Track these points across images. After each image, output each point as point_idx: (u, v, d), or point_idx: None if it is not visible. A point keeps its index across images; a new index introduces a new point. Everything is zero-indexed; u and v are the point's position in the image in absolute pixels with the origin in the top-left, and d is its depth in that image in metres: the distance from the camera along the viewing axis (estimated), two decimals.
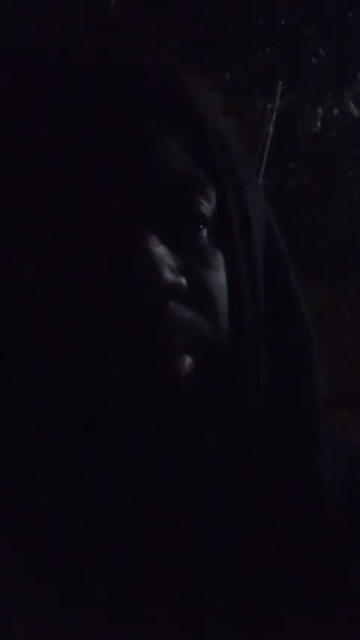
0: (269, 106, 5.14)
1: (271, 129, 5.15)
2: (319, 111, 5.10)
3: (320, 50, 4.74)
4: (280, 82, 4.95)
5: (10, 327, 0.49)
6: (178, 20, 4.32)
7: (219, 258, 0.53)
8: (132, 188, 0.49)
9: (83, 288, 0.48)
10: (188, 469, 0.50)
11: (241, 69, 4.71)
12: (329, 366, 0.57)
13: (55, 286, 0.48)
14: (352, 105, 5.13)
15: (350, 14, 4.73)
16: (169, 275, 0.48)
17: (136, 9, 4.14)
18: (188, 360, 0.49)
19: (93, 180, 0.49)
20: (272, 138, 5.15)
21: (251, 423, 0.52)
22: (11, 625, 0.48)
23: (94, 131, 0.50)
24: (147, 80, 0.54)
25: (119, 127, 0.51)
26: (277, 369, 0.54)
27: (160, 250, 0.48)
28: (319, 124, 5.14)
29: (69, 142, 0.49)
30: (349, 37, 4.73)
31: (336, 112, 5.15)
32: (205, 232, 0.52)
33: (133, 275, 0.47)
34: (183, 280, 0.49)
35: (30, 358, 0.49)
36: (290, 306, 0.56)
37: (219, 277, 0.52)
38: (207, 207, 0.52)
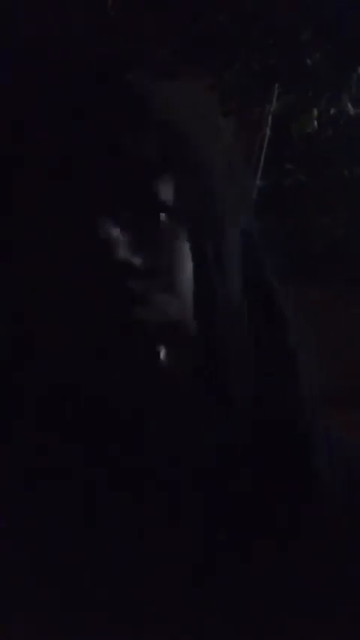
0: (267, 107, 5.13)
1: (268, 130, 5.15)
2: (315, 111, 5.10)
3: (317, 54, 4.74)
4: (277, 84, 4.95)
5: (10, 328, 0.49)
6: (178, 20, 4.32)
7: (183, 244, 0.53)
8: (95, 176, 0.50)
9: (82, 287, 0.48)
10: (187, 469, 0.50)
11: (241, 69, 4.71)
12: (325, 367, 0.57)
13: (54, 286, 0.48)
14: (349, 104, 5.13)
15: (348, 15, 4.73)
16: (123, 254, 0.49)
17: (136, 9, 4.13)
18: (162, 349, 0.49)
19: (94, 179, 0.49)
20: (269, 138, 5.15)
21: (239, 422, 0.52)
22: (11, 625, 0.48)
23: (94, 131, 0.50)
24: (121, 77, 0.54)
25: (114, 127, 0.51)
26: (261, 369, 0.54)
27: (116, 233, 0.49)
28: (315, 123, 5.14)
29: (69, 142, 0.50)
30: (347, 37, 4.74)
31: (332, 111, 5.16)
32: (167, 217, 0.52)
33: (95, 257, 0.48)
34: (138, 260, 0.50)
35: (30, 358, 0.49)
36: (268, 305, 0.56)
37: (183, 263, 0.53)
38: (168, 193, 0.52)
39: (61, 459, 0.49)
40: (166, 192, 0.52)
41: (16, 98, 0.51)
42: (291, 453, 0.53)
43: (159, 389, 0.49)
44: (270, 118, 5.12)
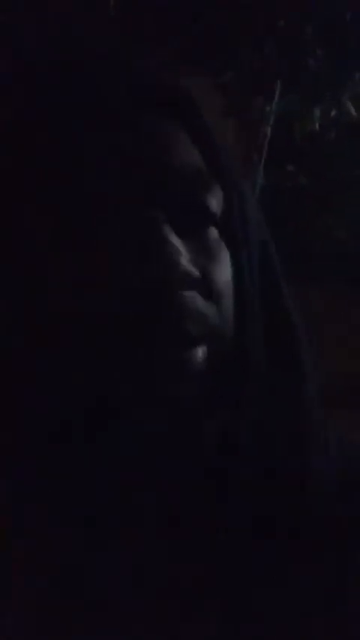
0: (267, 107, 5.14)
1: (269, 130, 5.16)
2: (317, 112, 5.10)
3: (318, 51, 4.75)
4: (279, 83, 4.96)
5: (10, 328, 0.49)
6: (178, 20, 4.32)
7: (226, 256, 0.54)
8: (146, 186, 0.51)
9: (85, 286, 0.48)
10: (191, 466, 0.50)
11: (241, 69, 4.72)
12: (327, 366, 0.58)
13: (56, 286, 0.48)
14: (350, 106, 5.14)
15: (349, 15, 4.74)
16: (185, 264, 0.50)
17: (136, 9, 4.14)
18: (204, 350, 0.50)
19: (97, 179, 0.49)
20: (270, 139, 5.16)
21: (241, 419, 0.52)
22: (11, 625, 0.48)
23: (96, 131, 0.50)
24: (148, 80, 0.54)
25: (124, 127, 0.51)
26: (269, 369, 0.54)
27: (176, 242, 0.50)
28: (317, 125, 5.15)
29: (70, 142, 0.49)
30: (347, 37, 4.74)
31: (334, 112, 5.16)
32: (213, 229, 0.54)
33: (150, 264, 0.48)
34: (196, 271, 0.51)
35: (30, 358, 0.49)
36: (280, 308, 0.57)
37: (226, 274, 0.54)
38: (215, 205, 0.54)
39: (62, 458, 0.49)
40: (214, 202, 0.54)
41: (15, 98, 0.51)
42: (291, 453, 0.53)
43: (175, 379, 0.49)
44: (271, 118, 5.13)
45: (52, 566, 0.49)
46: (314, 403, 0.56)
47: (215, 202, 0.54)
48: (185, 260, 0.50)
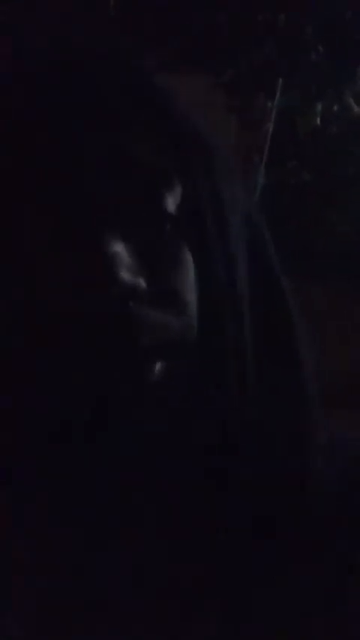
0: (269, 104, 5.13)
1: (271, 127, 5.15)
2: (319, 108, 5.09)
3: (320, 47, 4.74)
4: (280, 80, 4.95)
5: (10, 328, 0.49)
6: (178, 19, 4.32)
7: (186, 254, 0.51)
8: (93, 185, 0.48)
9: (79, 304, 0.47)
10: (190, 466, 0.50)
11: (242, 66, 4.71)
12: (328, 365, 0.57)
13: (52, 286, 0.48)
14: (352, 101, 5.13)
15: (350, 11, 4.73)
16: (126, 276, 0.47)
17: (136, 9, 4.13)
18: (158, 365, 0.48)
19: (96, 185, 0.49)
20: (272, 136, 5.15)
21: (239, 419, 0.52)
22: (11, 625, 0.48)
23: (97, 133, 0.50)
24: (128, 78, 0.53)
25: (123, 127, 0.51)
26: (264, 366, 0.53)
27: (117, 250, 0.47)
28: (318, 120, 5.14)
29: (69, 141, 0.49)
30: (349, 33, 4.73)
31: (336, 108, 5.15)
32: (169, 227, 0.50)
33: (90, 278, 0.46)
34: (142, 282, 0.48)
35: (30, 358, 0.49)
36: (276, 302, 0.56)
37: (186, 274, 0.51)
38: (171, 201, 0.50)
39: (60, 458, 0.49)
40: (170, 198, 0.51)
41: (15, 98, 0.51)
42: (290, 453, 0.53)
43: (132, 396, 0.48)
44: (273, 114, 5.12)
45: (52, 566, 0.49)
46: (314, 402, 0.55)
47: (171, 199, 0.50)
48: (128, 270, 0.47)
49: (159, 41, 3.84)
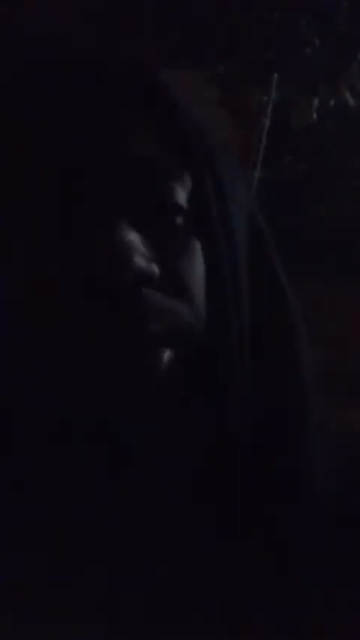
0: (265, 98, 5.12)
1: (267, 121, 5.14)
2: (315, 102, 5.09)
3: (316, 40, 4.74)
4: (276, 74, 4.94)
5: (10, 328, 0.49)
6: (176, 11, 4.31)
7: (195, 246, 0.52)
8: (105, 179, 0.49)
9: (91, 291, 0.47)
10: (178, 467, 0.50)
11: (238, 60, 4.70)
12: (329, 360, 0.57)
13: (56, 285, 0.48)
14: (348, 95, 5.13)
15: (346, 4, 4.73)
16: (139, 261, 0.47)
17: (133, 2, 4.12)
18: (167, 353, 0.49)
19: (104, 181, 0.49)
20: (268, 130, 5.14)
21: (238, 411, 0.52)
22: (11, 625, 0.48)
23: (94, 131, 0.50)
24: (128, 78, 0.54)
25: (104, 123, 0.51)
26: (262, 357, 0.53)
27: (131, 237, 0.48)
28: (314, 115, 5.14)
29: (69, 142, 0.49)
30: (345, 26, 4.73)
31: (332, 102, 5.15)
32: (179, 219, 0.52)
33: (102, 264, 0.46)
34: (155, 268, 0.49)
35: (30, 358, 0.48)
36: (275, 295, 0.56)
37: (195, 265, 0.52)
38: (181, 195, 0.52)
39: (61, 460, 0.49)
40: (180, 191, 0.52)
41: (15, 98, 0.51)
42: (284, 444, 0.53)
43: (138, 384, 0.48)
44: (269, 108, 5.11)
45: (52, 566, 0.49)
46: (309, 385, 0.55)
47: (181, 192, 0.52)
48: (141, 256, 0.48)
49: (155, 34, 3.84)
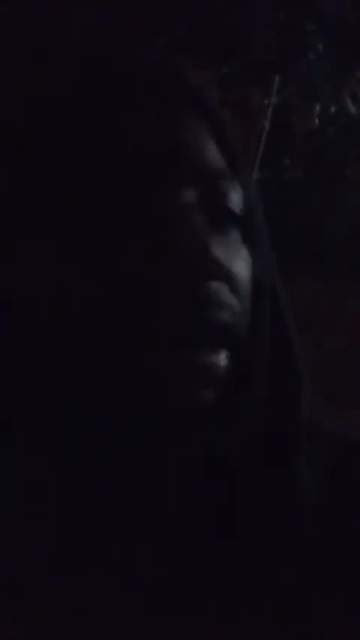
0: (265, 101, 5.14)
1: (267, 124, 5.16)
2: (317, 107, 5.11)
3: (319, 45, 4.75)
4: (277, 77, 4.95)
5: (10, 328, 0.49)
6: (177, 10, 4.32)
7: (246, 254, 0.53)
8: (171, 179, 0.50)
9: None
10: (178, 467, 0.50)
11: (239, 61, 4.71)
12: (328, 364, 0.57)
13: (59, 285, 0.47)
14: (349, 102, 5.14)
15: (350, 10, 4.74)
16: (216, 253, 0.49)
17: (135, 1, 4.13)
18: (226, 354, 0.49)
19: (113, 176, 0.49)
20: (268, 133, 5.15)
21: (262, 413, 0.52)
22: (11, 625, 0.48)
23: (108, 129, 0.49)
24: (150, 71, 0.53)
25: (140, 121, 0.50)
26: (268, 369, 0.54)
27: (207, 233, 0.49)
28: (316, 120, 5.15)
29: (73, 141, 0.49)
30: (348, 32, 4.74)
31: (333, 108, 5.17)
32: (237, 226, 0.53)
33: (178, 255, 0.47)
34: (226, 264, 0.50)
35: (31, 359, 0.48)
36: (274, 303, 0.57)
37: (246, 272, 0.53)
38: (237, 202, 0.53)
39: (61, 460, 0.49)
40: (234, 196, 0.53)
41: (15, 98, 0.50)
42: (287, 453, 0.53)
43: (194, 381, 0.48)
44: (270, 111, 5.12)
45: (52, 566, 0.49)
46: (302, 373, 0.56)
47: (237, 199, 0.53)
48: (215, 249, 0.49)
49: (158, 32, 3.84)
